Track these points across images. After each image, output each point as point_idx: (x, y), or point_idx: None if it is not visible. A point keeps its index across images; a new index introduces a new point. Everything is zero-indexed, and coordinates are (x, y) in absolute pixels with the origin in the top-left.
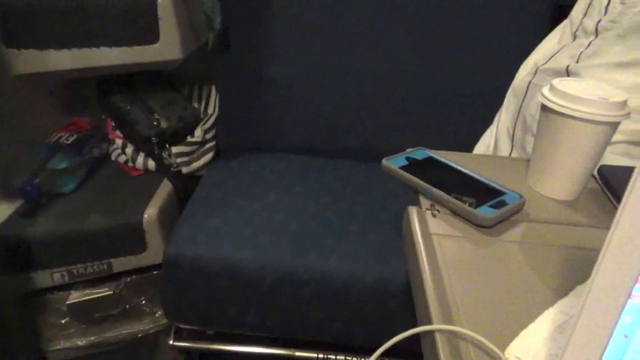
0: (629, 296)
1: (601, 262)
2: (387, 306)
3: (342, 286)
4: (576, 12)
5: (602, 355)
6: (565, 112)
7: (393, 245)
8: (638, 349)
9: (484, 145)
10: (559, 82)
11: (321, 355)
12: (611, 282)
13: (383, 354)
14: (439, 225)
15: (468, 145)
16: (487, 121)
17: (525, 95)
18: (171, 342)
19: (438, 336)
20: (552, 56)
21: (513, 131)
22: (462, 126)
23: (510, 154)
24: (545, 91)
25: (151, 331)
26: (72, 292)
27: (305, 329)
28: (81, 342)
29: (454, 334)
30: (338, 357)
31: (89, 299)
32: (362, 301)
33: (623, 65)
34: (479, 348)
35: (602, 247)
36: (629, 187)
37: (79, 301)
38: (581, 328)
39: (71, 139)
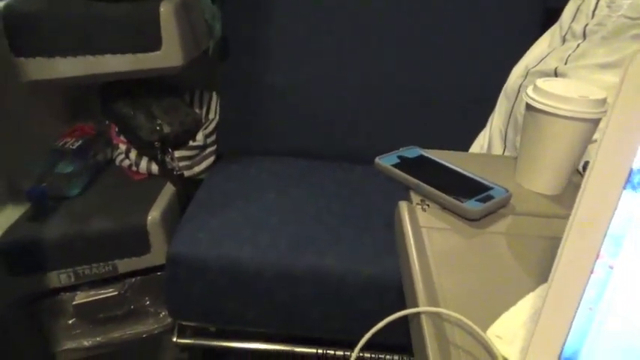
0: (591, 272)
1: (565, 239)
2: (384, 301)
3: (338, 283)
4: (565, 17)
5: (571, 325)
6: (547, 110)
7: (387, 243)
8: (601, 319)
9: (478, 146)
10: (542, 82)
11: (320, 351)
12: (574, 259)
13: (375, 347)
14: (429, 219)
15: (463, 147)
16: (481, 123)
17: (517, 97)
18: (174, 339)
19: (423, 318)
20: (542, 59)
21: (505, 132)
22: (457, 128)
23: (503, 154)
24: (530, 90)
25: (155, 332)
26: (78, 293)
27: (303, 325)
28: (87, 342)
29: (439, 315)
30: (337, 353)
31: (95, 300)
32: (358, 297)
33: (606, 66)
34: (462, 329)
35: (567, 226)
36: (588, 169)
37: (85, 302)
38: (550, 303)
39: (76, 145)
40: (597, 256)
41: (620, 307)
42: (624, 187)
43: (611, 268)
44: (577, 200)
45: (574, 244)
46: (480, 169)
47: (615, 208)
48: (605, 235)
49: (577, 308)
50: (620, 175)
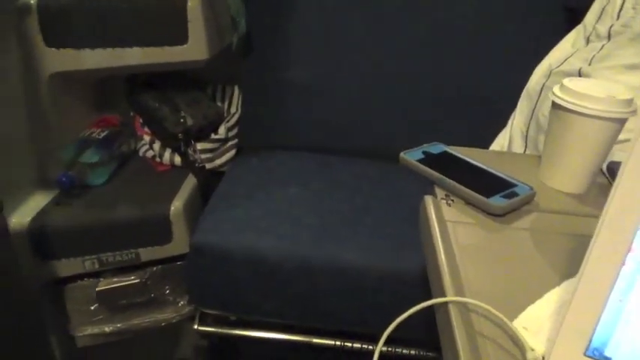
0: (623, 263)
1: (598, 232)
2: (402, 295)
3: (357, 276)
4: (589, 18)
5: (600, 316)
6: (573, 109)
7: (407, 238)
8: (631, 310)
9: (498, 146)
10: (569, 81)
11: (338, 343)
12: (606, 251)
13: (393, 342)
14: (453, 213)
15: (482, 145)
16: (501, 123)
17: (539, 97)
18: (195, 327)
19: (451, 307)
20: (566, 59)
21: (527, 132)
22: (477, 127)
23: (524, 153)
24: (556, 89)
25: (174, 320)
26: (101, 279)
27: (321, 317)
28: (107, 328)
29: (466, 306)
30: (354, 345)
31: (117, 287)
32: (377, 291)
33: (633, 67)
34: (489, 319)
35: (599, 219)
36: (621, 168)
37: (107, 289)
38: (581, 293)
39: (102, 135)
40: (629, 249)
41: None
42: None
43: None
44: (611, 194)
45: (606, 236)
46: (503, 166)
47: None
48: (638, 229)
49: (607, 299)
50: None
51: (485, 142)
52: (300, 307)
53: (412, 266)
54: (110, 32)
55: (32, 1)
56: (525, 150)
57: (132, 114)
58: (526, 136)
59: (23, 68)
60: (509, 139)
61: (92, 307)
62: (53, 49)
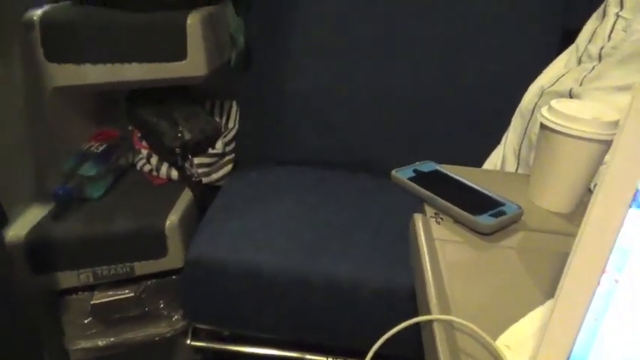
0: (598, 284)
1: (574, 253)
2: (396, 310)
3: (351, 290)
4: (582, 39)
5: (577, 335)
6: (560, 130)
7: (401, 252)
8: (606, 330)
9: (491, 163)
10: (557, 103)
11: (330, 359)
12: (581, 272)
13: (385, 358)
14: (442, 231)
15: (477, 162)
16: (495, 139)
17: (531, 116)
18: (188, 341)
19: (435, 325)
20: (558, 79)
21: (519, 150)
22: (471, 145)
23: (516, 171)
24: (544, 110)
25: (168, 334)
26: (96, 292)
27: (316, 332)
28: (101, 342)
29: (450, 324)
30: None
31: (112, 300)
32: (371, 306)
33: (622, 89)
34: (472, 337)
35: (575, 241)
36: (594, 192)
37: (102, 302)
38: (558, 313)
39: (100, 149)
40: (603, 271)
41: (624, 319)
42: (630, 206)
43: (616, 281)
44: (585, 216)
45: (581, 257)
46: (493, 185)
47: (621, 226)
48: (612, 251)
49: (583, 319)
50: (626, 195)
51: (481, 158)
52: (294, 320)
53: (407, 281)
54: (110, 48)
55: (35, 18)
56: (518, 168)
57: (130, 128)
58: (518, 155)
59: (25, 82)
60: (502, 157)
61: (86, 321)
62: (55, 64)
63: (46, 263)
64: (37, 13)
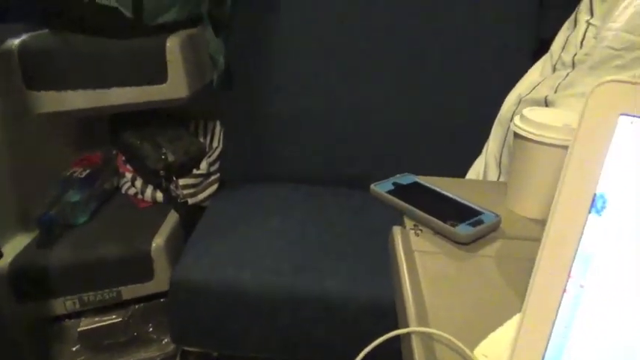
0: (564, 291)
1: (539, 260)
2: (384, 324)
3: (339, 305)
4: (556, 47)
5: (548, 342)
6: (532, 138)
7: (387, 266)
8: (576, 336)
9: (475, 172)
10: (528, 112)
11: None
12: (548, 278)
13: None
14: (421, 243)
15: (461, 172)
16: (478, 150)
17: (510, 124)
18: None
19: (414, 338)
20: (534, 87)
21: (500, 158)
22: (455, 155)
23: (498, 179)
24: (517, 119)
25: (158, 359)
26: (83, 319)
27: (305, 348)
28: None
29: (429, 336)
30: None
31: (99, 326)
32: (359, 320)
33: None
34: (451, 348)
35: (539, 248)
36: (555, 198)
37: (89, 329)
38: (527, 321)
39: (84, 174)
40: (569, 276)
41: (593, 324)
42: (589, 212)
43: (581, 287)
44: (547, 224)
45: (547, 265)
46: (473, 194)
47: (582, 231)
48: (575, 256)
49: (553, 326)
50: (584, 201)
51: (465, 168)
52: (283, 338)
53: (392, 294)
54: (91, 74)
55: (13, 47)
56: (500, 176)
57: (114, 151)
58: (500, 163)
59: (5, 111)
60: (484, 165)
61: (74, 348)
62: (35, 91)
63: (31, 292)
64: (15, 42)
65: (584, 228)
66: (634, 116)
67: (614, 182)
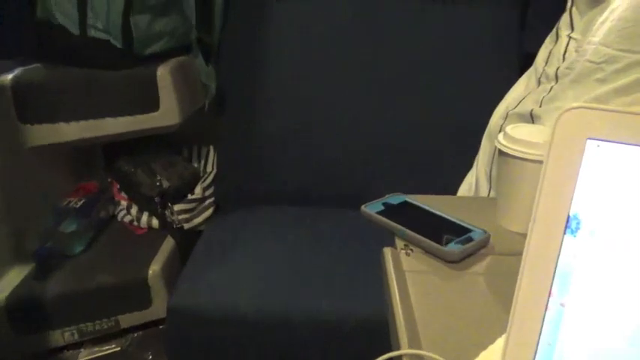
0: (546, 309)
1: (520, 279)
2: (379, 343)
3: (334, 325)
4: (539, 60)
5: None
6: (515, 155)
7: (380, 285)
8: (560, 354)
9: (467, 185)
10: (511, 129)
11: None
12: (529, 297)
13: None
14: (412, 263)
15: (454, 186)
16: (470, 164)
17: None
18: None
19: None
20: (520, 101)
21: (490, 172)
22: (447, 170)
23: (489, 192)
24: (500, 136)
25: None
26: (82, 350)
27: None
28: None
29: (421, 357)
30: None
31: (99, 357)
32: (355, 340)
33: None
34: None
35: (520, 268)
36: (532, 215)
37: (89, 359)
38: (512, 339)
39: (80, 203)
40: (549, 295)
41: (575, 342)
42: (565, 232)
43: (562, 305)
44: (525, 246)
45: (527, 285)
46: (463, 211)
47: (559, 252)
48: (554, 276)
49: (537, 345)
50: (559, 222)
51: (458, 183)
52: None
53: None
54: (84, 106)
55: (6, 82)
56: (490, 189)
57: (109, 180)
58: (490, 176)
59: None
60: (475, 179)
61: None
62: (28, 125)
63: (28, 325)
64: (8, 77)
65: (560, 248)
66: (600, 140)
67: (587, 204)
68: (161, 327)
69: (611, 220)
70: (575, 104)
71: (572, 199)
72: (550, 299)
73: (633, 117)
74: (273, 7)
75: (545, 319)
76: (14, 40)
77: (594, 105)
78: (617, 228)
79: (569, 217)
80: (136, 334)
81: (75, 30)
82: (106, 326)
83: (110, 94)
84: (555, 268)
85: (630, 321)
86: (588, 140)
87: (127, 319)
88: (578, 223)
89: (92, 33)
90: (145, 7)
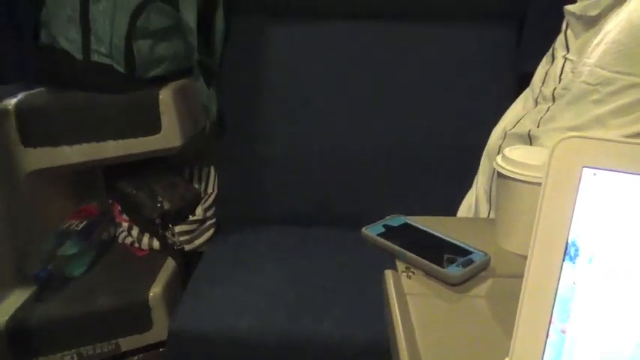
0: (547, 336)
1: (521, 306)
2: None
3: (336, 348)
4: (536, 81)
5: None
6: (512, 177)
7: (382, 306)
8: None
9: (467, 205)
10: (509, 151)
11: None
12: (530, 324)
13: None
14: (413, 286)
15: (454, 206)
16: (469, 184)
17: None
18: None
19: None
20: (518, 121)
21: (490, 192)
22: (447, 190)
23: (489, 212)
24: (499, 158)
25: None
26: None
27: None
28: None
29: None
30: None
31: None
32: None
33: (572, 129)
34: None
35: (520, 295)
36: (531, 242)
37: None
38: None
39: (81, 226)
40: (550, 322)
41: None
42: (564, 260)
43: (563, 332)
44: (525, 272)
45: (528, 312)
46: (463, 233)
47: (559, 279)
48: (554, 304)
49: None
50: (558, 250)
51: (458, 203)
52: None
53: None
54: (85, 129)
55: (10, 107)
56: (490, 209)
57: (110, 201)
58: (489, 196)
59: (1, 168)
60: (475, 198)
61: None
62: (31, 148)
63: (28, 349)
64: (12, 101)
65: (560, 276)
66: (596, 168)
67: (585, 231)
68: (162, 349)
69: (610, 247)
70: (570, 134)
71: (570, 226)
72: (551, 326)
73: (628, 146)
74: (273, 29)
75: (547, 346)
76: (17, 64)
77: (589, 135)
78: (615, 255)
79: (567, 244)
80: (136, 357)
81: (78, 55)
82: (106, 349)
83: (112, 118)
84: (555, 296)
85: (630, 348)
86: (584, 169)
87: (127, 342)
88: (576, 250)
89: (95, 57)
90: (147, 33)
